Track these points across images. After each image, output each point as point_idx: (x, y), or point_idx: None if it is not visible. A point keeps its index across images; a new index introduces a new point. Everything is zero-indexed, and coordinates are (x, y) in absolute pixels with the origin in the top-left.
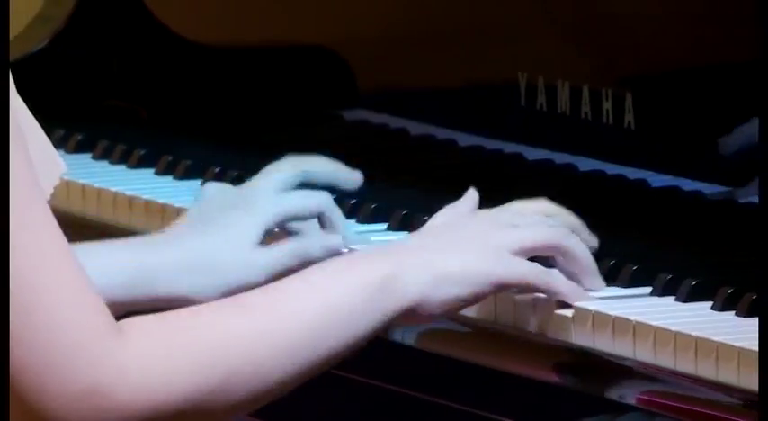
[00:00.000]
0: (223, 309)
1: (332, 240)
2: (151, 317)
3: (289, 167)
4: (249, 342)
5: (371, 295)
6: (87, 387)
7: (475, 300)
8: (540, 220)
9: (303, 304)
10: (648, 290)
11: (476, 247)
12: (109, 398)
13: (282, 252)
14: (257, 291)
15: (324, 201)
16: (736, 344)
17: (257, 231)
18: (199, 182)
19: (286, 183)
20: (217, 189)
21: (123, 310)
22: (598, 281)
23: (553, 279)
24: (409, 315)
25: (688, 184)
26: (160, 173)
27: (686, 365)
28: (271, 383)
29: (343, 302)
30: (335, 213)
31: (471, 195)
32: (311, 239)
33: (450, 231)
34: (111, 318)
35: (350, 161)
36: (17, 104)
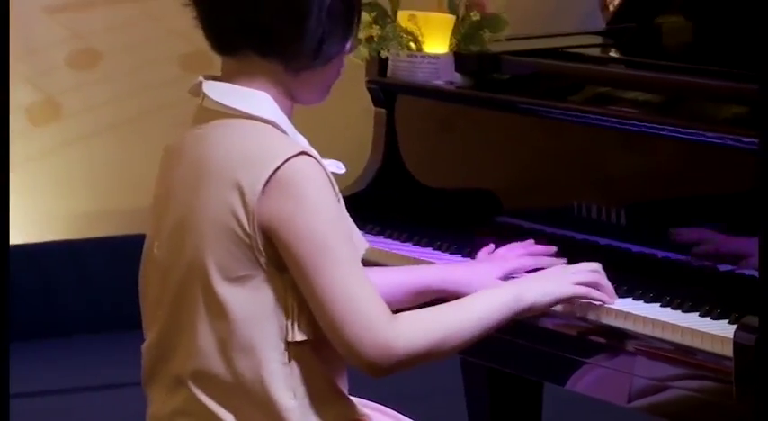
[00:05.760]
0: (439, 310)
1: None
2: (410, 312)
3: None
4: (451, 325)
5: (507, 307)
6: (382, 343)
7: (555, 305)
8: (587, 270)
9: (473, 310)
10: (631, 298)
11: (558, 280)
12: (391, 348)
13: (503, 284)
14: (453, 302)
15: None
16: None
17: (497, 272)
18: (431, 248)
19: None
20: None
21: (434, 296)
22: (614, 297)
23: (597, 294)
24: (522, 315)
25: (652, 251)
26: (413, 244)
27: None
28: (459, 345)
29: (490, 310)
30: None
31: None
32: (522, 280)
33: (545, 273)
34: (390, 313)
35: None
36: (345, 215)
